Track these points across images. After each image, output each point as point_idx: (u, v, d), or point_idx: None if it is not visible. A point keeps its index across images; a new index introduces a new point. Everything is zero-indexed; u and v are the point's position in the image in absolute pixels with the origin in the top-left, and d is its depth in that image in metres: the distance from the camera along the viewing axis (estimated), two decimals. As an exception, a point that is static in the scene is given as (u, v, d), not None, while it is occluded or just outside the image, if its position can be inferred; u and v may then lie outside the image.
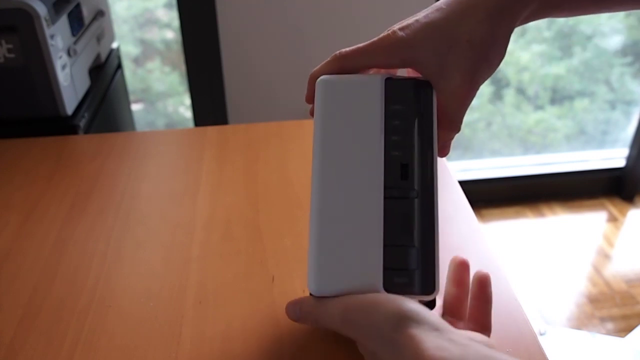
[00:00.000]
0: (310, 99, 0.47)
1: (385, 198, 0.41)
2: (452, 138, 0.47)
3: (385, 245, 0.41)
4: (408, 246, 0.41)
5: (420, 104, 0.43)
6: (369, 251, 0.40)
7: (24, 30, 0.95)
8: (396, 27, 0.45)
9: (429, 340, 0.35)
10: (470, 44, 0.42)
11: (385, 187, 0.42)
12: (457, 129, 0.46)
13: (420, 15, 0.44)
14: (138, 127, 1.80)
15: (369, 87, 0.44)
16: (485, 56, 0.43)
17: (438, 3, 0.44)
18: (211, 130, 0.92)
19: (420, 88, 0.44)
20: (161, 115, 2.20)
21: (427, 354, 0.34)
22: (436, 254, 0.41)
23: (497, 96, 2.22)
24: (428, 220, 0.41)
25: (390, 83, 0.44)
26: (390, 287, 0.40)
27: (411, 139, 0.42)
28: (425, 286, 0.41)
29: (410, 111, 0.43)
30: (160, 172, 0.82)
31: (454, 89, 0.44)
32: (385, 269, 0.40)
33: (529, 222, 2.10)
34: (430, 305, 0.55)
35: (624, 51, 2.19)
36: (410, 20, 0.44)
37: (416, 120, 0.43)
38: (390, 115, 0.43)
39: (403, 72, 0.49)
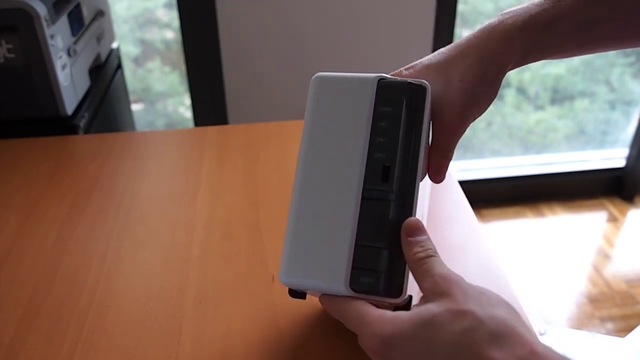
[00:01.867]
0: None
1: (363, 198, 0.42)
2: (445, 166, 0.50)
3: (356, 245, 0.41)
4: (379, 248, 0.41)
5: (410, 107, 0.44)
6: (340, 249, 0.41)
7: (24, 30, 0.94)
8: (403, 67, 0.49)
9: None
10: (461, 84, 0.47)
11: (364, 188, 0.42)
12: (449, 158, 0.50)
13: (425, 58, 0.50)
14: (138, 127, 1.80)
15: (361, 87, 0.44)
16: (474, 96, 0.47)
17: (441, 49, 0.50)
18: (211, 130, 0.92)
19: (413, 91, 0.44)
20: (161, 115, 2.19)
21: None
22: None
23: (498, 96, 2.22)
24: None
25: (383, 84, 0.44)
26: (356, 286, 0.40)
27: (396, 142, 0.43)
28: (392, 289, 0.41)
29: (399, 114, 0.43)
30: (160, 172, 0.82)
31: (445, 122, 0.48)
32: (353, 268, 0.41)
33: (529, 222, 2.10)
34: (406, 309, 0.55)
35: (624, 51, 2.19)
36: (416, 62, 0.50)
37: (403, 124, 0.43)
38: (378, 117, 0.43)
39: None
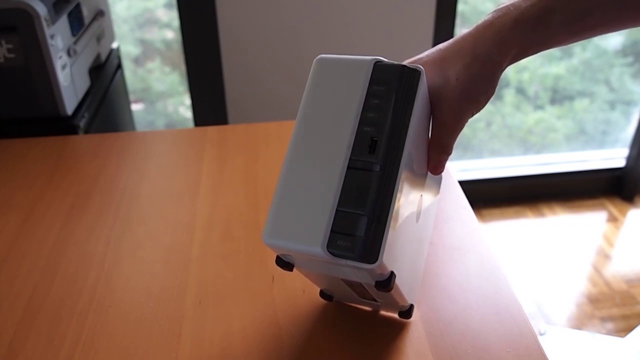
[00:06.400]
0: None
1: (348, 167, 0.43)
2: (445, 160, 0.52)
3: (337, 210, 0.42)
4: (359, 214, 0.42)
5: (403, 87, 0.45)
6: (322, 213, 0.42)
7: (24, 30, 0.95)
8: (404, 62, 0.50)
9: None
10: (458, 82, 0.48)
11: (351, 158, 0.44)
12: (448, 153, 0.51)
13: (424, 55, 0.51)
14: (138, 127, 1.80)
15: (358, 67, 0.46)
16: (471, 94, 0.48)
17: (439, 45, 0.51)
18: (211, 130, 0.92)
19: (407, 73, 0.46)
20: (161, 115, 2.19)
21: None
22: (387, 228, 0.42)
23: (497, 96, 2.22)
24: (386, 195, 0.43)
25: (379, 65, 0.46)
26: (333, 248, 0.42)
27: (385, 118, 0.44)
28: (367, 255, 0.42)
29: (391, 93, 0.45)
30: (160, 172, 0.82)
31: (444, 119, 0.49)
32: (332, 231, 0.42)
33: (529, 222, 2.10)
34: (407, 314, 0.55)
35: (624, 51, 2.19)
36: (415, 58, 0.51)
37: (395, 102, 0.45)
38: (371, 94, 0.45)
39: None
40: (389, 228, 0.42)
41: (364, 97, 0.45)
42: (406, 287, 0.50)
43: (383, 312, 0.58)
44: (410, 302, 0.53)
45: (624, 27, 0.49)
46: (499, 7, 0.48)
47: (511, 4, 0.48)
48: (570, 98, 2.27)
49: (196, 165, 0.83)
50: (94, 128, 1.13)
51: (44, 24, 0.95)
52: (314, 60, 0.48)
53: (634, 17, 0.47)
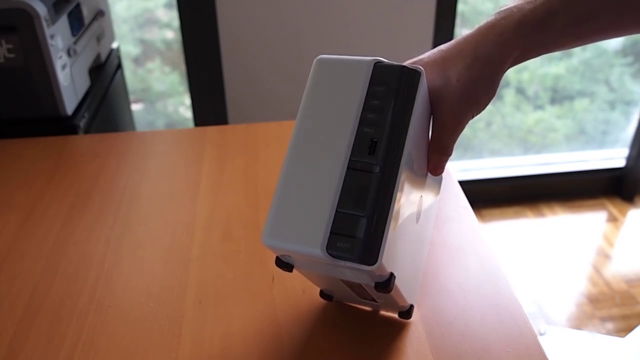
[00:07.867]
0: None
1: (348, 168, 0.43)
2: (445, 161, 0.51)
3: (337, 212, 0.42)
4: (359, 216, 0.42)
5: (403, 88, 0.45)
6: (321, 214, 0.42)
7: (24, 30, 0.94)
8: (405, 63, 0.50)
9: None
10: (459, 83, 0.48)
11: (351, 159, 0.44)
12: (448, 154, 0.51)
13: (425, 55, 0.51)
14: (138, 127, 1.80)
15: (358, 68, 0.46)
16: (472, 96, 0.48)
17: (440, 46, 0.51)
18: (211, 130, 0.92)
19: (407, 74, 0.46)
20: (161, 115, 2.19)
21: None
22: (386, 229, 0.42)
23: (497, 96, 2.22)
24: (386, 196, 0.43)
25: (379, 66, 0.46)
26: (333, 249, 0.42)
27: (385, 119, 0.44)
28: (367, 256, 0.42)
29: (391, 94, 0.45)
30: (160, 172, 0.82)
31: (444, 120, 0.49)
32: (331, 232, 0.42)
33: (529, 222, 2.10)
34: (407, 314, 0.55)
35: (624, 51, 2.19)
36: (416, 58, 0.52)
37: (395, 103, 0.45)
38: (371, 95, 0.45)
39: None
40: (388, 229, 0.42)
41: (364, 98, 0.45)
42: (406, 287, 0.50)
43: (383, 312, 0.58)
44: (410, 302, 0.53)
45: (626, 32, 0.49)
46: (501, 9, 0.48)
47: (514, 6, 0.48)
48: (570, 98, 2.27)
49: (196, 165, 0.83)
50: (94, 128, 1.13)
51: (44, 24, 0.95)
52: (314, 60, 0.48)
53: (637, 22, 0.47)
